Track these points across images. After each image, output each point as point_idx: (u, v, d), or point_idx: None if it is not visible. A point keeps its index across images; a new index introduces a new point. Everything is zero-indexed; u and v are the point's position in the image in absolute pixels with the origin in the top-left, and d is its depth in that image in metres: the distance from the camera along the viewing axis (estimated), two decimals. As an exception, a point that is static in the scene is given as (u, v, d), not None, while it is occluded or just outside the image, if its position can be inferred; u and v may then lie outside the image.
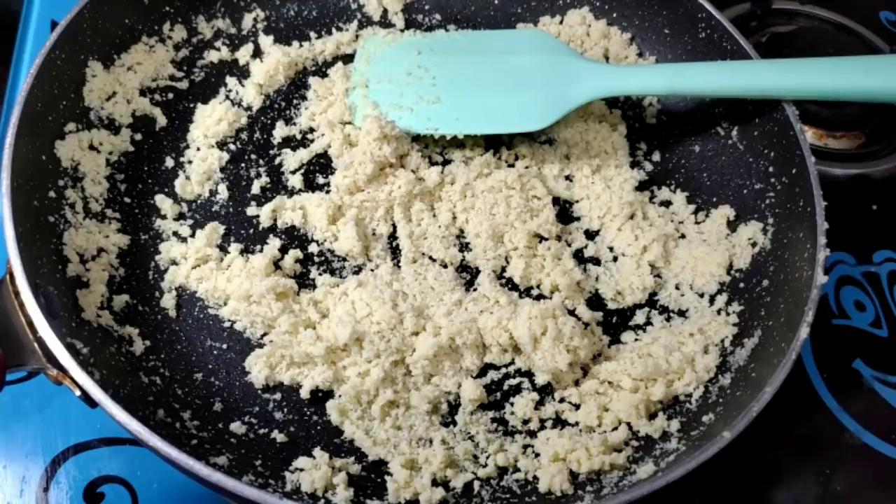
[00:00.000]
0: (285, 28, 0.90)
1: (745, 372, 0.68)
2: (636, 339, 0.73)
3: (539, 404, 0.69)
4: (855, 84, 0.73)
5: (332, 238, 0.76)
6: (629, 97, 0.88)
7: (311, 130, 0.83)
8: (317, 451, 0.64)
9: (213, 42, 0.87)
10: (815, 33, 1.05)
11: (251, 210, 0.78)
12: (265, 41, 0.87)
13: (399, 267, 0.75)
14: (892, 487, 0.77)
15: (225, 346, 0.70)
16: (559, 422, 0.68)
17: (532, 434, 0.68)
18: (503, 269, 0.76)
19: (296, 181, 0.80)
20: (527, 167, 0.82)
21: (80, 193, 0.73)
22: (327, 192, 0.79)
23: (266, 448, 0.65)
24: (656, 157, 0.85)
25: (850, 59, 0.77)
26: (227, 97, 0.84)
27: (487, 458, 0.66)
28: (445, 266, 0.76)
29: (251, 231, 0.77)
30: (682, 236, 0.80)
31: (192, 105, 0.83)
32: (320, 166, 0.81)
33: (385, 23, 0.92)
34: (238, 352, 0.70)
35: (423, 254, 0.76)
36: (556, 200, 0.81)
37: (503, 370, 0.71)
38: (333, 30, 0.91)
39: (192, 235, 0.75)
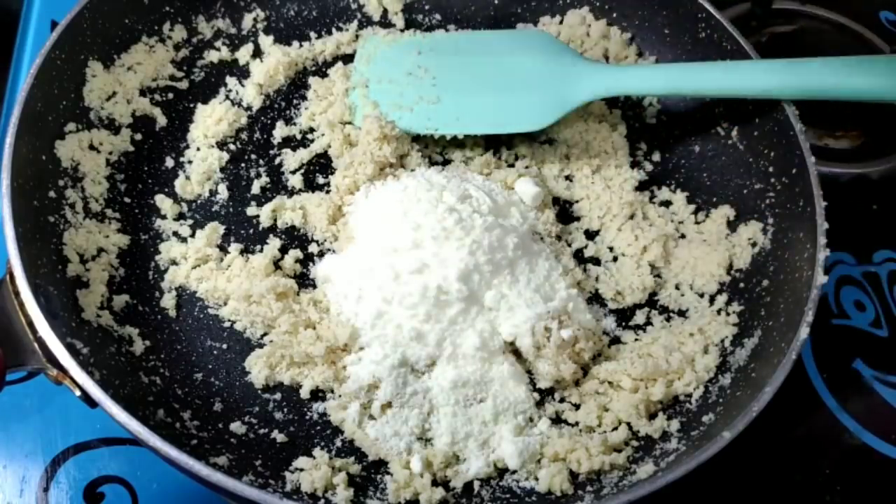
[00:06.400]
0: (285, 28, 0.90)
1: (745, 372, 0.68)
2: (636, 339, 0.73)
3: (539, 404, 0.69)
4: (855, 84, 0.73)
5: (332, 238, 0.76)
6: (629, 97, 0.88)
7: (311, 130, 0.83)
8: (317, 451, 0.64)
9: (213, 42, 0.87)
10: (815, 33, 1.05)
11: (251, 210, 0.78)
12: (265, 41, 0.87)
13: (399, 267, 0.75)
14: (892, 487, 0.77)
15: (225, 346, 0.70)
16: (559, 422, 0.68)
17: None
18: (503, 269, 0.76)
19: (296, 181, 0.80)
20: (527, 167, 0.82)
21: (80, 193, 0.73)
22: (327, 192, 0.79)
23: (266, 448, 0.65)
24: (656, 157, 0.85)
25: (850, 59, 0.76)
26: (227, 97, 0.84)
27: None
28: (445, 266, 0.76)
29: (251, 231, 0.77)
30: (682, 236, 0.80)
31: (192, 105, 0.83)
32: (320, 166, 0.81)
33: (385, 23, 0.92)
34: (238, 352, 0.70)
35: (423, 254, 0.76)
36: (556, 200, 0.81)
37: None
38: (333, 30, 0.91)
39: (192, 235, 0.75)
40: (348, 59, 0.88)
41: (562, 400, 0.69)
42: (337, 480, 0.62)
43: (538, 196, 0.78)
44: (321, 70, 0.88)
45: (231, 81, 0.85)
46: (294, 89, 0.86)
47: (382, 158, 0.77)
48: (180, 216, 0.77)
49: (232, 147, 0.81)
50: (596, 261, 0.78)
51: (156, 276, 0.73)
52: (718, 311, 0.74)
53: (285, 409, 0.68)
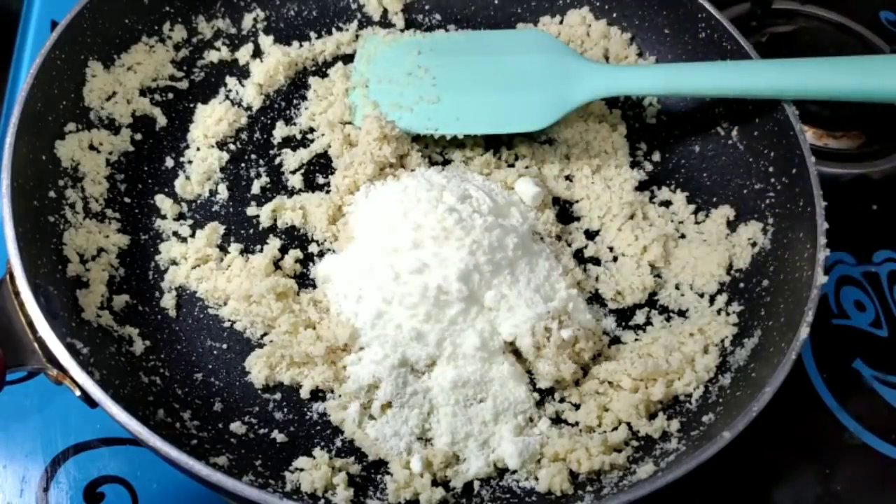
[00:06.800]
0: (285, 28, 0.90)
1: (745, 372, 0.68)
2: (636, 339, 0.73)
3: (539, 404, 0.69)
4: (855, 84, 0.73)
5: (332, 238, 0.76)
6: (629, 97, 0.88)
7: (311, 130, 0.83)
8: (317, 451, 0.64)
9: (213, 42, 0.87)
10: (815, 33, 1.05)
11: (251, 210, 0.78)
12: (265, 41, 0.87)
13: (399, 267, 0.75)
14: (892, 487, 0.77)
15: (225, 346, 0.70)
16: (559, 422, 0.68)
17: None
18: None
19: (296, 181, 0.80)
20: (527, 167, 0.82)
21: (80, 193, 0.73)
22: (327, 192, 0.79)
23: (266, 448, 0.65)
24: (656, 157, 0.85)
25: (850, 59, 0.77)
26: (227, 97, 0.84)
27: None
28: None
29: (251, 231, 0.77)
30: (682, 236, 0.80)
31: (192, 105, 0.83)
32: (320, 166, 0.81)
33: (385, 23, 0.92)
34: (238, 352, 0.70)
35: (423, 254, 0.76)
36: (556, 200, 0.81)
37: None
38: (333, 30, 0.91)
39: (192, 235, 0.75)
40: (348, 59, 0.88)
41: (562, 400, 0.69)
42: (337, 480, 0.62)
43: (538, 196, 0.78)
44: (321, 70, 0.88)
45: (231, 81, 0.85)
46: (294, 89, 0.86)
47: (382, 158, 0.77)
48: (180, 216, 0.77)
49: (232, 147, 0.81)
50: (596, 261, 0.78)
51: (156, 276, 0.73)
52: (718, 311, 0.74)
53: (285, 409, 0.68)
